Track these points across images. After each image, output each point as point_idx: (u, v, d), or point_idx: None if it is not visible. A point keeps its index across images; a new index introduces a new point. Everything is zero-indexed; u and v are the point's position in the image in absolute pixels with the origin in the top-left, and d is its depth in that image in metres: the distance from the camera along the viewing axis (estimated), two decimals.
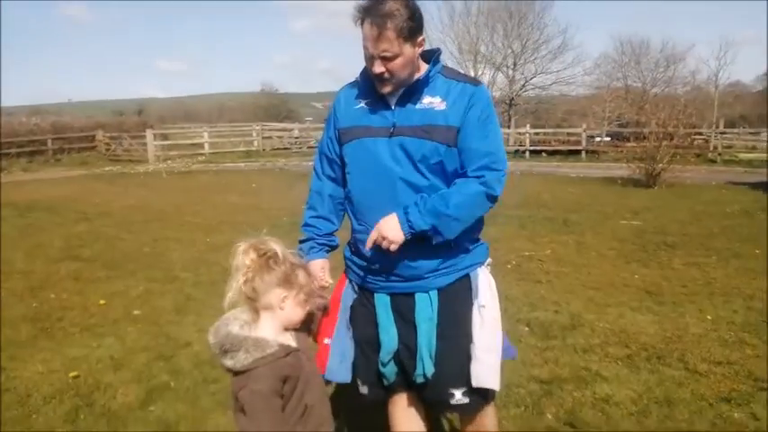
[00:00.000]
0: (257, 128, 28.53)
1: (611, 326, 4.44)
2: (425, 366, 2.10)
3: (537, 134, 27.05)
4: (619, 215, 9.60)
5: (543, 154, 24.38)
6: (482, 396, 2.19)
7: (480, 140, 2.02)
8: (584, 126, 25.38)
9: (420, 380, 2.13)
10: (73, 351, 4.12)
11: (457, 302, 2.14)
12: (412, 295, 2.12)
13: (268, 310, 1.80)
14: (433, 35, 32.17)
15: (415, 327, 2.11)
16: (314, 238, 2.26)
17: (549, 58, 33.40)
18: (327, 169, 2.27)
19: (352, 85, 2.20)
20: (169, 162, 22.45)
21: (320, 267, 2.21)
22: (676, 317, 4.64)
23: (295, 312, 1.84)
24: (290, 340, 1.84)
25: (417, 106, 2.04)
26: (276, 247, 1.81)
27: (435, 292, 2.12)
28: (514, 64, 33.82)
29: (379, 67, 1.96)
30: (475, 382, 2.13)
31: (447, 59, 32.61)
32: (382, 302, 2.16)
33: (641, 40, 36.91)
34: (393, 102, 2.05)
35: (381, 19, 1.89)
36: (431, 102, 2.04)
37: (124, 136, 26.27)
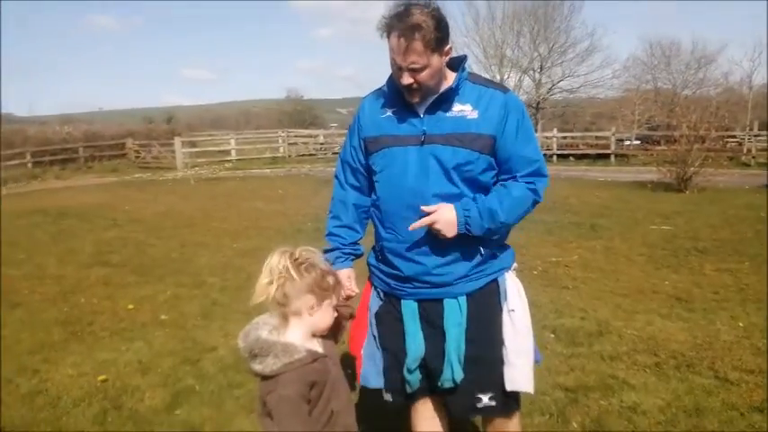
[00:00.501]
0: (283, 134, 28.77)
1: (640, 333, 4.36)
2: (455, 372, 2.09)
3: (564, 138, 26.76)
4: (648, 220, 9.43)
5: (571, 158, 24.10)
6: (511, 399, 2.19)
7: (525, 147, 2.07)
8: (613, 129, 25.02)
9: (448, 384, 2.12)
10: (102, 355, 4.21)
11: (486, 307, 2.14)
12: (440, 301, 2.12)
13: (297, 316, 1.82)
14: (457, 39, 31.99)
15: (442, 332, 2.11)
16: (339, 248, 2.27)
17: (576, 60, 32.99)
18: (351, 178, 2.27)
19: (377, 93, 2.20)
20: (197, 169, 22.85)
21: (347, 277, 2.22)
22: (707, 324, 4.54)
23: (323, 319, 1.86)
24: (317, 346, 1.86)
25: (448, 114, 2.04)
26: (308, 253, 1.84)
27: (464, 297, 2.11)
28: (541, 67, 33.49)
29: (407, 79, 1.96)
30: (509, 386, 2.13)
31: (472, 63, 32.43)
32: (410, 309, 2.16)
33: (671, 41, 36.23)
34: (422, 110, 2.06)
35: (409, 31, 1.89)
36: (461, 109, 2.04)
37: (153, 143, 26.78)
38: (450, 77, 2.08)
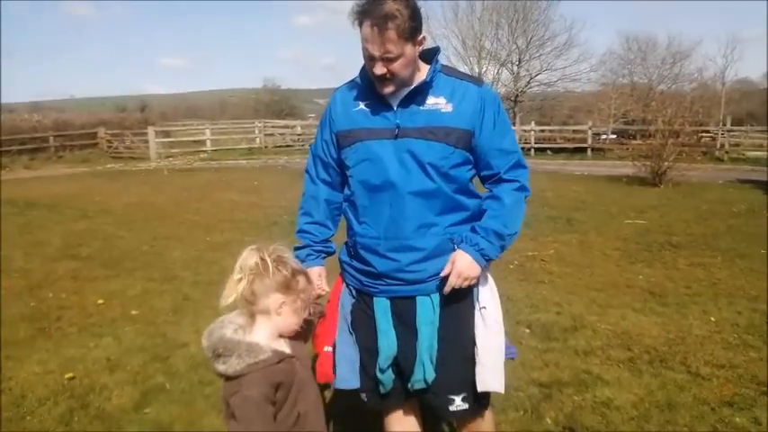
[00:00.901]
0: (259, 125, 28.51)
1: (614, 328, 4.39)
2: (426, 372, 2.06)
3: (542, 131, 26.91)
4: (623, 214, 9.53)
5: (548, 151, 24.26)
6: (481, 400, 2.16)
7: (502, 140, 2.06)
8: (590, 123, 25.24)
9: (420, 386, 2.08)
10: (70, 351, 4.10)
11: (458, 305, 2.10)
12: (413, 299, 2.08)
13: (264, 315, 1.78)
14: (436, 31, 31.95)
15: (415, 331, 2.07)
16: (311, 245, 2.21)
17: (554, 54, 33.06)
18: (323, 173, 2.22)
19: (349, 86, 2.15)
20: (171, 159, 22.52)
21: (318, 275, 2.17)
22: (680, 318, 4.58)
23: (291, 319, 1.81)
24: (283, 346, 1.81)
25: (422, 107, 2.00)
26: (281, 252, 1.80)
27: (437, 295, 2.07)
28: (519, 60, 33.54)
29: (380, 69, 1.91)
30: (481, 387, 2.09)
31: (451, 55, 32.62)
32: (382, 307, 2.11)
33: (648, 36, 36.78)
34: (395, 103, 2.01)
35: (382, 20, 1.84)
36: (435, 102, 2.01)
37: (126, 133, 26.30)
38: (424, 70, 2.04)
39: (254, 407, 1.67)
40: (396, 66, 1.91)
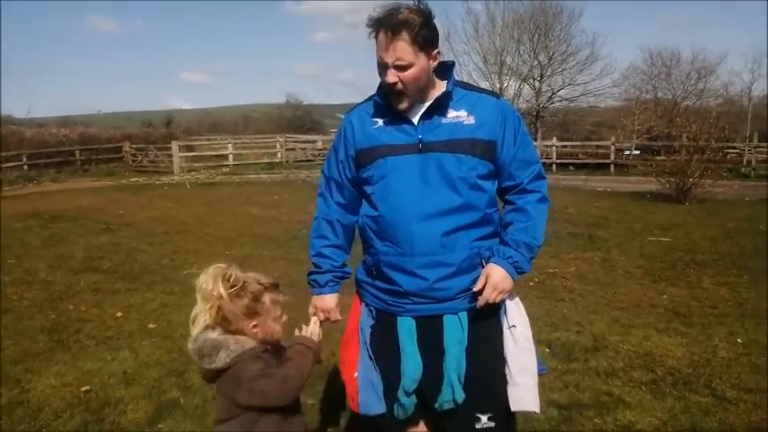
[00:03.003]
0: (281, 140, 28.76)
1: (636, 348, 4.28)
2: (455, 392, 2.01)
3: (564, 147, 26.68)
4: (647, 231, 9.37)
5: (570, 167, 24.03)
6: (510, 420, 2.10)
7: (524, 151, 2.06)
8: (613, 139, 24.98)
9: (448, 406, 2.03)
10: (87, 364, 4.12)
11: (486, 323, 2.06)
12: (439, 317, 2.02)
13: (242, 334, 1.82)
14: (457, 47, 31.97)
15: (441, 351, 2.02)
16: (332, 271, 2.17)
17: (576, 69, 32.79)
18: (337, 195, 2.19)
19: (365, 105, 2.13)
20: (193, 173, 22.76)
21: (334, 304, 2.16)
22: (705, 339, 4.46)
23: (270, 329, 1.84)
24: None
25: (444, 120, 1.98)
26: (239, 276, 1.81)
27: (465, 313, 2.02)
28: (541, 75, 33.36)
29: (392, 77, 1.89)
30: (515, 406, 2.04)
31: (472, 71, 32.64)
32: (406, 327, 2.05)
33: (671, 51, 36.28)
34: (416, 117, 1.99)
35: (396, 27, 1.84)
36: (457, 115, 1.99)
37: (150, 147, 26.69)
38: (441, 85, 2.02)
39: (269, 378, 1.72)
40: (407, 75, 1.89)
